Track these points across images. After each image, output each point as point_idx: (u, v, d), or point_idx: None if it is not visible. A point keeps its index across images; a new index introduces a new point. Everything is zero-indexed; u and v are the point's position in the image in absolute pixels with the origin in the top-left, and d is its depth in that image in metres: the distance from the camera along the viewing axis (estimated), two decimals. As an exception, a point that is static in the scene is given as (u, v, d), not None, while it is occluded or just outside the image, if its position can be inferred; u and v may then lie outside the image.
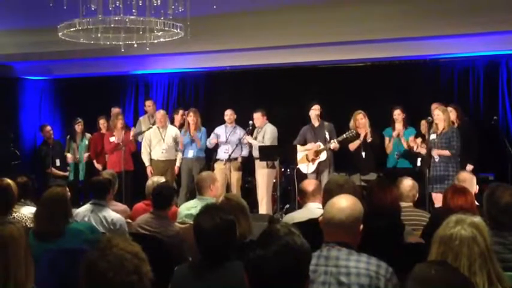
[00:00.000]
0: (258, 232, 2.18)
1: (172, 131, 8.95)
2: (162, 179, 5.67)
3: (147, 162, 8.87)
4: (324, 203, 3.81)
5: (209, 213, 2.86)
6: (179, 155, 8.89)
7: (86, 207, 4.96)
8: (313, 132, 8.27)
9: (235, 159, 8.60)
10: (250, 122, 8.48)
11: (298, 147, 8.18)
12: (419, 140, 7.67)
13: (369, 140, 8.02)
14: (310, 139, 8.27)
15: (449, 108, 7.64)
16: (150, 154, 8.87)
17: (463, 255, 2.46)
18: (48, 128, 9.99)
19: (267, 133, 8.50)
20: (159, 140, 8.82)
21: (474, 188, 4.91)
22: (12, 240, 2.36)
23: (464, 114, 8.00)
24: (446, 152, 7.05)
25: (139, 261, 1.92)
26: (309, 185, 4.63)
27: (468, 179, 4.96)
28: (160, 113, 8.98)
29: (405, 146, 7.99)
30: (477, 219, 2.58)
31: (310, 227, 2.92)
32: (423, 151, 7.39)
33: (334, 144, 8.03)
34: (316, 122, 8.30)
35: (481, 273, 2.44)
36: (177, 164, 8.88)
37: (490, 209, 3.41)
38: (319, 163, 8.10)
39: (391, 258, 2.74)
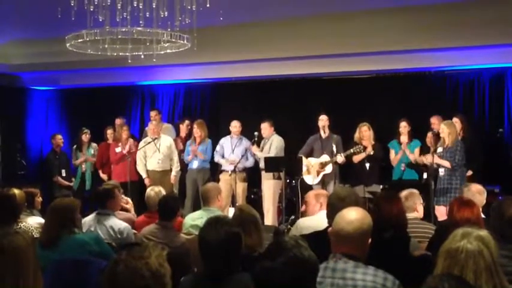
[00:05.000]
0: (264, 244, 2.18)
1: (166, 140, 8.92)
2: (162, 189, 5.65)
3: (144, 174, 8.81)
4: (328, 216, 3.81)
5: (213, 227, 2.82)
6: (175, 166, 8.85)
7: (91, 217, 4.96)
8: (321, 143, 8.25)
9: (241, 170, 8.59)
10: (256, 133, 8.47)
11: (304, 159, 8.18)
12: (422, 157, 7.63)
13: (371, 153, 8.01)
14: (317, 150, 8.26)
15: (455, 119, 7.60)
16: (145, 165, 8.83)
17: (469, 269, 2.45)
18: (60, 136, 10.02)
19: (273, 144, 8.48)
20: (155, 150, 8.79)
21: (482, 202, 4.91)
22: (20, 250, 2.37)
23: (469, 126, 7.96)
24: (446, 163, 6.97)
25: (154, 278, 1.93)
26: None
27: (475, 192, 4.95)
28: (153, 124, 9.01)
29: (410, 158, 7.98)
30: (483, 232, 2.58)
31: (315, 239, 2.93)
32: (430, 162, 7.35)
33: (341, 159, 8.03)
34: (324, 133, 8.29)
35: (487, 287, 2.43)
36: (173, 173, 8.84)
37: (496, 222, 3.40)
38: (324, 175, 8.11)
39: (397, 270, 2.73)
